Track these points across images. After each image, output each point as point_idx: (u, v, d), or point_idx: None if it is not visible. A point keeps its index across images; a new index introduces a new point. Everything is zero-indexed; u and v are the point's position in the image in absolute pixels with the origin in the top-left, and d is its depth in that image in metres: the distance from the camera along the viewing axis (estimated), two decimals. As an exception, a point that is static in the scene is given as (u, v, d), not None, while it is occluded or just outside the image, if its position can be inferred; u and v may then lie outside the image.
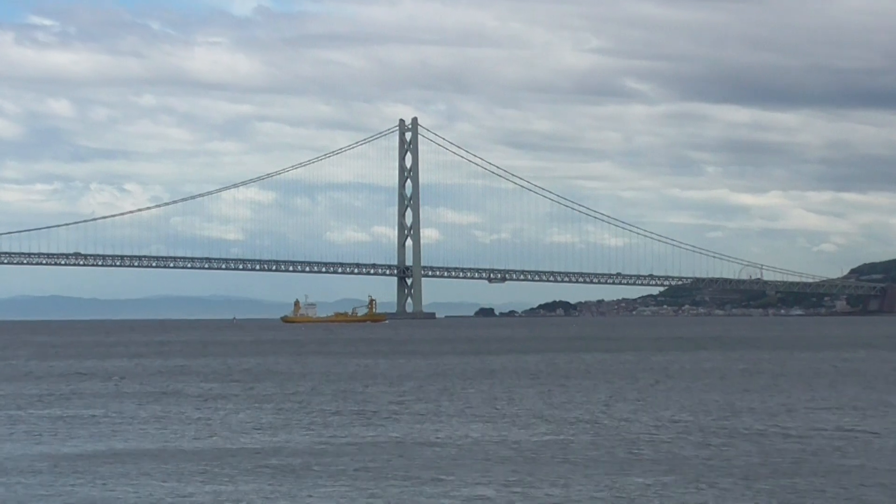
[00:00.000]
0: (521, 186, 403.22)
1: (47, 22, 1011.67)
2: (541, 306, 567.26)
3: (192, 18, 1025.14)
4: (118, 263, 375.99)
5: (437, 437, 47.56)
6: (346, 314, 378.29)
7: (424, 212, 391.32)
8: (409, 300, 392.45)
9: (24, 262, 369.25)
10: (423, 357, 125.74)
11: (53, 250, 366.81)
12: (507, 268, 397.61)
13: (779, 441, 45.91)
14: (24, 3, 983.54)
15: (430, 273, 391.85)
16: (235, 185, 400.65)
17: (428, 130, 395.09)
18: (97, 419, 57.39)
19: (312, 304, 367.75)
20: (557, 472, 37.88)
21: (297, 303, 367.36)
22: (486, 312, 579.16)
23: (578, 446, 44.60)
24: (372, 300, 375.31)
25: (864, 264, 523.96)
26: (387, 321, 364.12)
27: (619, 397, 67.72)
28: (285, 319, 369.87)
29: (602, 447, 44.17)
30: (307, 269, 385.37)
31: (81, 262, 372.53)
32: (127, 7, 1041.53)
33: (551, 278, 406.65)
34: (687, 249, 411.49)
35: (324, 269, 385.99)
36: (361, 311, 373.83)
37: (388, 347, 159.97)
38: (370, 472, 38.13)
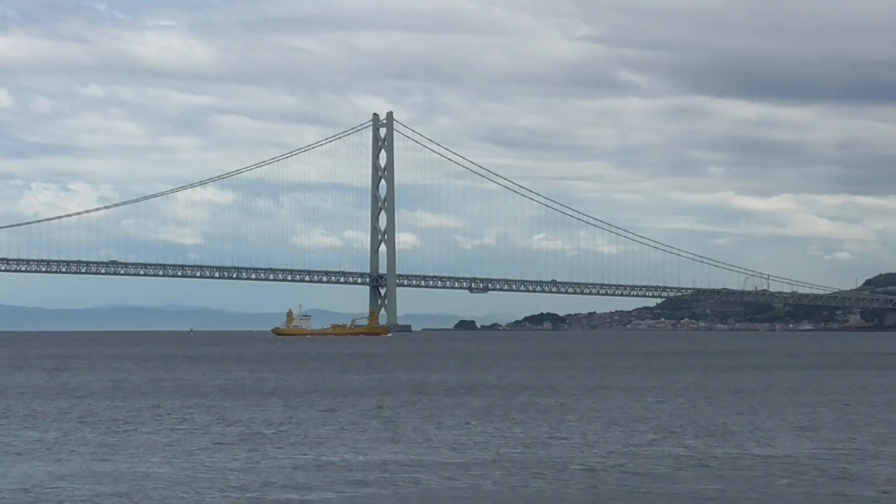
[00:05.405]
0: (506, 187, 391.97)
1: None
2: (526, 319, 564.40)
3: (143, 0, 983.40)
4: (64, 269, 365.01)
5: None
6: (343, 326, 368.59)
7: (400, 215, 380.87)
8: (383, 311, 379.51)
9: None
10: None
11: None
12: (490, 276, 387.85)
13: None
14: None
15: (405, 282, 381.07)
16: (192, 185, 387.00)
17: (404, 125, 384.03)
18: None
19: (307, 316, 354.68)
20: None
21: (289, 313, 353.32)
22: (466, 325, 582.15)
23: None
24: (373, 311, 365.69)
25: (881, 275, 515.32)
26: (389, 334, 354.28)
27: None
28: (277, 331, 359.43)
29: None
30: (271, 276, 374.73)
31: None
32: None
33: (538, 288, 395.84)
34: (687, 258, 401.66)
35: (290, 277, 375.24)
36: (361, 323, 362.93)
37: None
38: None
